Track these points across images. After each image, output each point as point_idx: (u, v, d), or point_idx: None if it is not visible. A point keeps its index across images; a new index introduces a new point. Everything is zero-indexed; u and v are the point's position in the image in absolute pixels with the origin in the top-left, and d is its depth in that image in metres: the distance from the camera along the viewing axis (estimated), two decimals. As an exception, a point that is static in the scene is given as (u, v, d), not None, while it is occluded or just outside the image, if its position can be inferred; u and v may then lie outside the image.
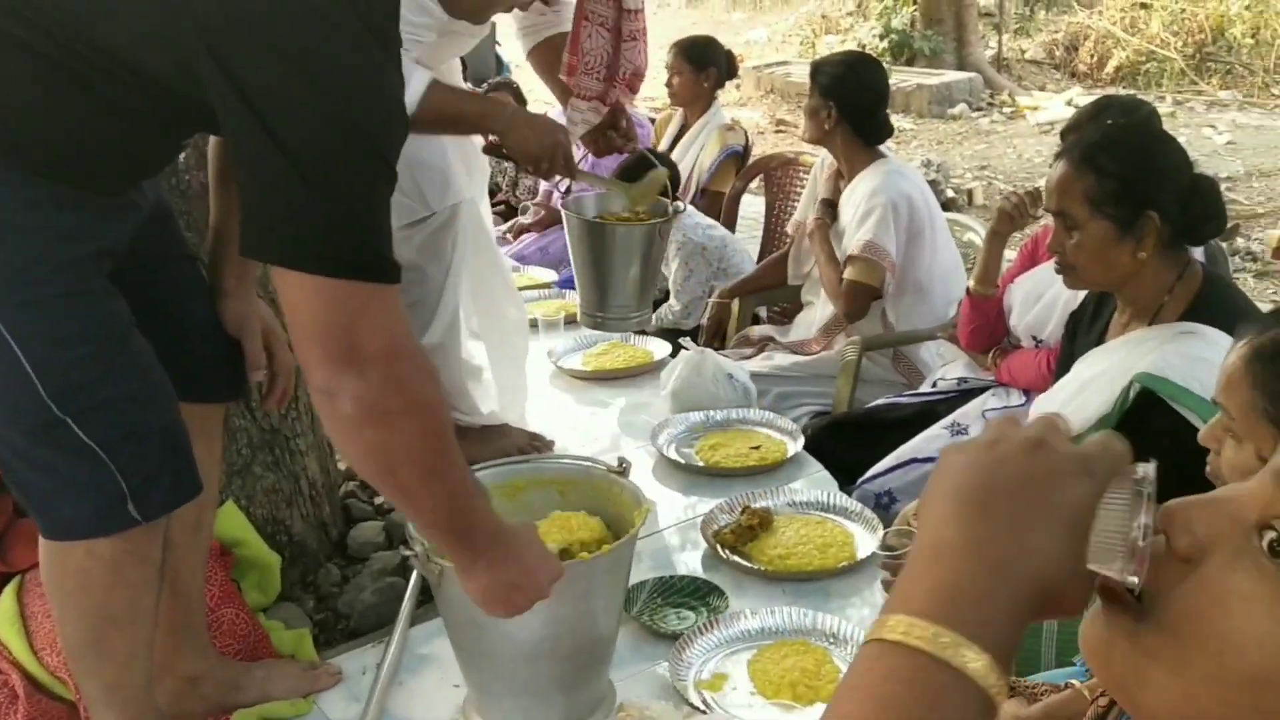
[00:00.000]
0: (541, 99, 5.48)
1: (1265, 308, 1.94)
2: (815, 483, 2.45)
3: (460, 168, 2.50)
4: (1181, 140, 2.09)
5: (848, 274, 3.14)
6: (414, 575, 2.03)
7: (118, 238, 1.51)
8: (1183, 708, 0.61)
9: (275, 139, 1.24)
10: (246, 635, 1.91)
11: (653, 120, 4.94)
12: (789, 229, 3.62)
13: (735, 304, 3.60)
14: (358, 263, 1.28)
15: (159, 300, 1.63)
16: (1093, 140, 1.99)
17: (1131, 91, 10.15)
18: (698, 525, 2.27)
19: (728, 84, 4.84)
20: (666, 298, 3.84)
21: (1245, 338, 1.40)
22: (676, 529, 2.33)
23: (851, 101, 3.16)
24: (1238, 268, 5.91)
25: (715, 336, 3.59)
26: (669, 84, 4.48)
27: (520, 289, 3.74)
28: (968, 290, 2.74)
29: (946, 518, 0.63)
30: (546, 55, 2.63)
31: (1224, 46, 11.73)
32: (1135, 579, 0.59)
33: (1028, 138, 9.69)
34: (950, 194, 7.56)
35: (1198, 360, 1.78)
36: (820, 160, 3.45)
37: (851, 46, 12.38)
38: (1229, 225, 2.25)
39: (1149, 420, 1.79)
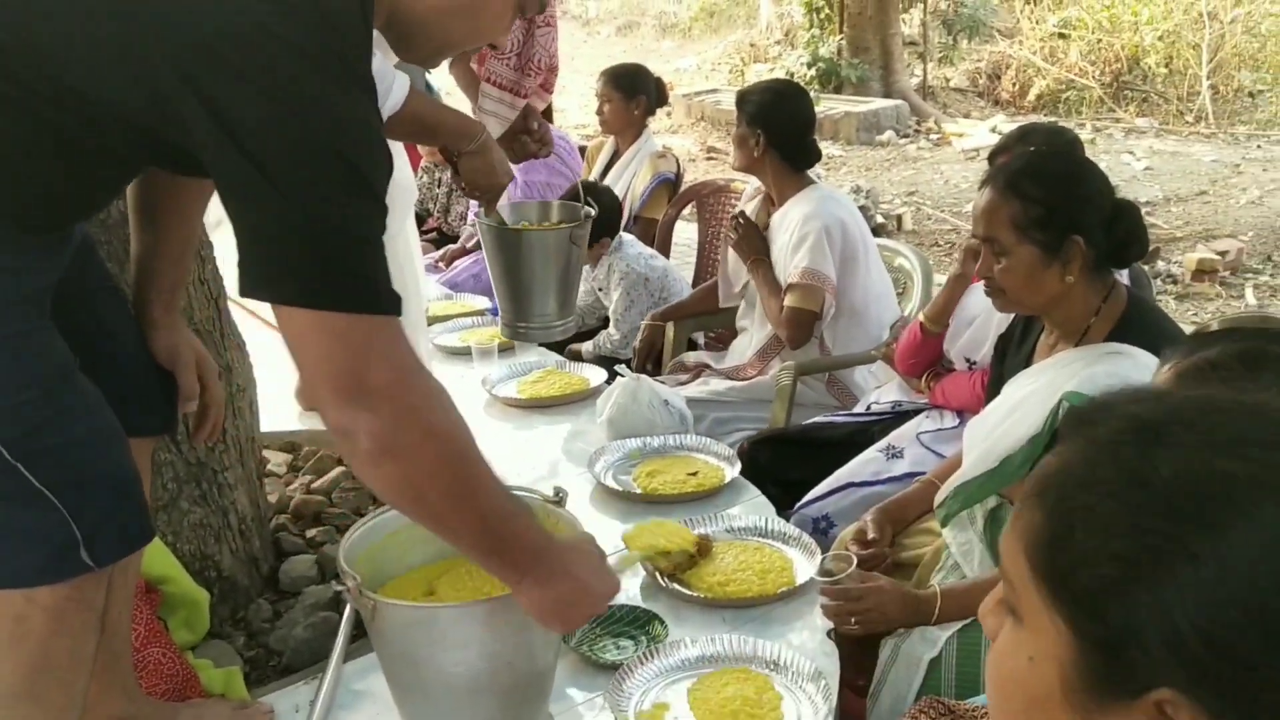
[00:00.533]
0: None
1: (1187, 328, 1.99)
2: (753, 508, 2.45)
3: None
4: (1101, 166, 2.14)
5: (788, 300, 3.16)
6: (348, 610, 1.99)
7: (43, 280, 1.46)
8: None
9: (267, 177, 1.23)
10: (174, 675, 1.85)
11: (584, 148, 4.95)
12: (722, 258, 3.64)
13: (670, 330, 3.60)
14: (359, 297, 1.27)
15: (87, 334, 1.58)
16: (1017, 167, 2.03)
17: (1053, 119, 10.41)
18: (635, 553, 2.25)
19: (659, 111, 4.88)
20: (606, 325, 3.83)
21: (1170, 361, 1.43)
22: (614, 557, 2.30)
23: (778, 128, 3.19)
24: (1159, 290, 6.06)
25: (648, 359, 3.59)
26: (599, 111, 4.49)
27: (453, 316, 3.73)
28: (921, 325, 2.77)
29: None
30: (468, 68, 2.60)
31: (1139, 75, 12.08)
32: None
33: (954, 164, 9.88)
34: (880, 219, 7.67)
35: (1124, 379, 1.82)
36: (748, 192, 3.48)
37: (780, 75, 12.54)
38: (1150, 249, 2.30)
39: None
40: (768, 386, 3.18)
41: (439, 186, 5.25)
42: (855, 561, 1.96)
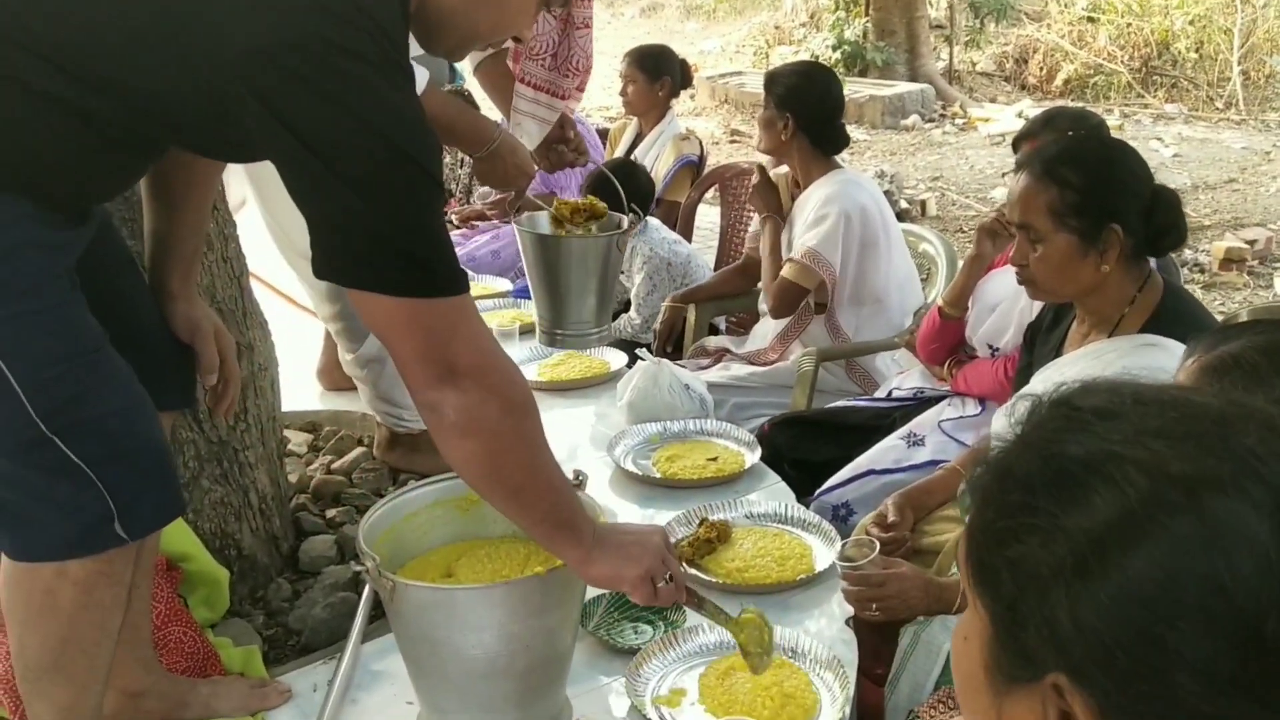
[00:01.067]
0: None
1: (1217, 319, 1.96)
2: (772, 494, 2.44)
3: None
4: (1130, 152, 2.09)
5: (784, 272, 3.16)
6: (366, 590, 2.00)
7: (80, 249, 1.49)
8: None
9: (334, 173, 1.30)
10: (195, 653, 1.86)
11: (607, 130, 4.93)
12: (747, 241, 3.62)
13: (692, 314, 3.58)
14: (436, 281, 1.35)
15: (109, 308, 1.59)
16: (1054, 152, 1.98)
17: (1080, 104, 10.31)
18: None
19: (682, 94, 4.85)
20: (627, 308, 3.82)
21: (1194, 355, 1.41)
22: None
23: (808, 112, 3.17)
24: (1185, 279, 6.00)
25: (669, 341, 3.58)
26: (623, 93, 4.46)
27: (475, 298, 3.72)
28: (939, 310, 2.75)
29: None
30: (494, 71, 2.59)
31: (1169, 61, 11.94)
32: None
33: (979, 149, 9.80)
34: (904, 205, 7.62)
35: (1159, 372, 1.79)
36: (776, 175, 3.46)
37: (804, 57, 12.47)
38: (1184, 237, 2.26)
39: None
40: (789, 372, 3.17)
41: (461, 167, 5.24)
42: (877, 547, 1.95)
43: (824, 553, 2.16)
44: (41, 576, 1.47)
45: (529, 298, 3.77)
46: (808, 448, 2.58)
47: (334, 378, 3.03)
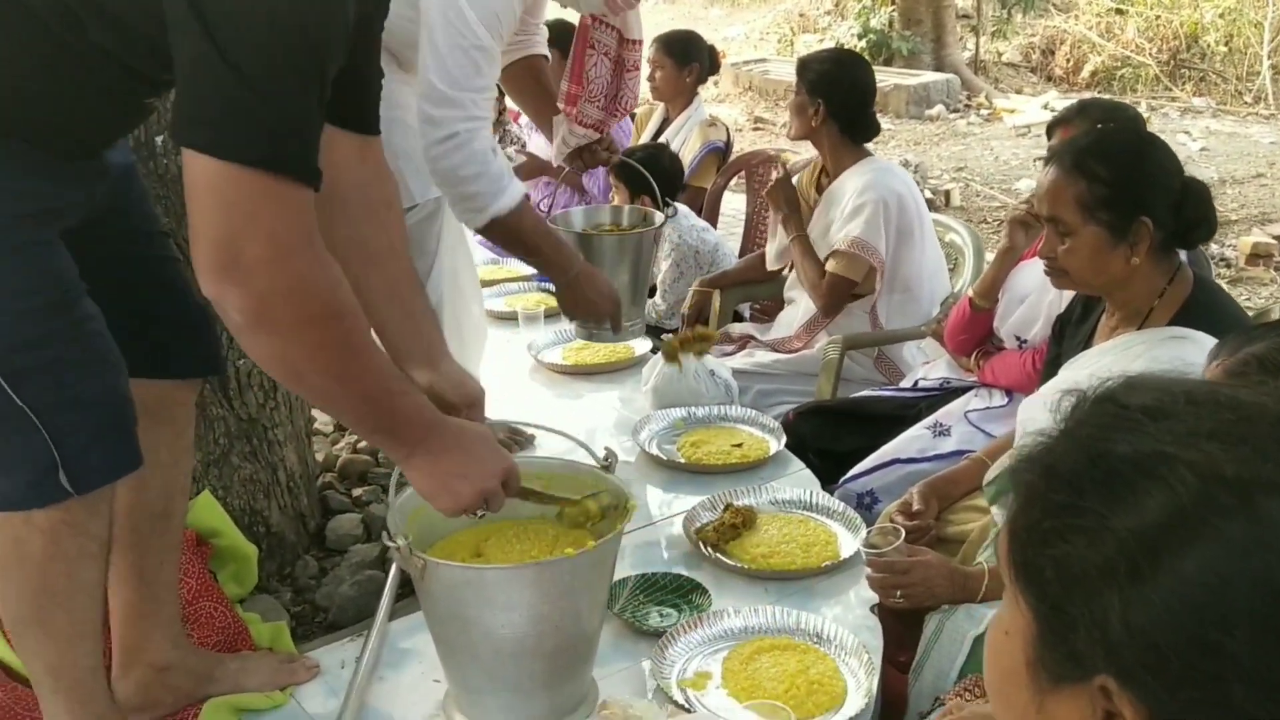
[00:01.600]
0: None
1: (1245, 314, 1.97)
2: (797, 482, 2.44)
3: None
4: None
5: (830, 266, 3.14)
6: (394, 568, 2.01)
7: (72, 205, 1.47)
8: None
9: (197, 15, 1.21)
10: (225, 627, 1.88)
11: (633, 116, 4.92)
12: (770, 232, 3.61)
13: (717, 300, 3.58)
14: (254, 147, 1.23)
15: (125, 275, 1.59)
16: (1084, 145, 1.98)
17: (1107, 96, 10.23)
18: (678, 522, 2.26)
19: (706, 80, 4.84)
20: (652, 294, 3.82)
21: (1219, 356, 1.41)
22: (657, 526, 2.31)
23: (839, 99, 3.16)
24: (1212, 274, 5.96)
25: (695, 325, 3.58)
26: (651, 78, 4.46)
27: (499, 281, 3.74)
28: (969, 301, 2.75)
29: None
30: (521, 75, 2.65)
31: (1198, 54, 11.83)
32: None
33: (1004, 140, 9.75)
34: (928, 195, 7.59)
35: (1188, 365, 1.78)
36: (800, 157, 3.45)
37: (829, 46, 12.41)
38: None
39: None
40: (814, 360, 3.17)
41: (515, 123, 5.25)
42: (902, 535, 1.95)
43: (849, 540, 2.16)
44: (11, 524, 1.46)
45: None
46: (832, 437, 2.58)
47: None
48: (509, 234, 2.29)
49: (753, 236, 4.22)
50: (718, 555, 2.12)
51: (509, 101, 5.07)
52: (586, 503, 1.70)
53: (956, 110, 10.95)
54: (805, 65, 3.23)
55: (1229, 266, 6.26)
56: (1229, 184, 7.90)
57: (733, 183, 4.48)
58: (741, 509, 2.23)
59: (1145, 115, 9.77)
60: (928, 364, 3.06)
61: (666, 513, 2.36)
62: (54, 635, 1.52)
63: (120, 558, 1.71)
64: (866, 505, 2.55)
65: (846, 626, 1.87)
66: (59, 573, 1.48)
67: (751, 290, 3.72)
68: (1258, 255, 6.28)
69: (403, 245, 1.73)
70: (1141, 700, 0.73)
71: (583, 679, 1.74)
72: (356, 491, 2.47)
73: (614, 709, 1.63)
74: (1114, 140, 2.02)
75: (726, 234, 4.34)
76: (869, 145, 3.30)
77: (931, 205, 7.43)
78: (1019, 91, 11.81)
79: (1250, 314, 2.38)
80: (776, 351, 3.30)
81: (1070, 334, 2.16)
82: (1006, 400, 2.62)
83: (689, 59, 4.35)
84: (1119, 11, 12.35)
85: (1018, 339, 2.68)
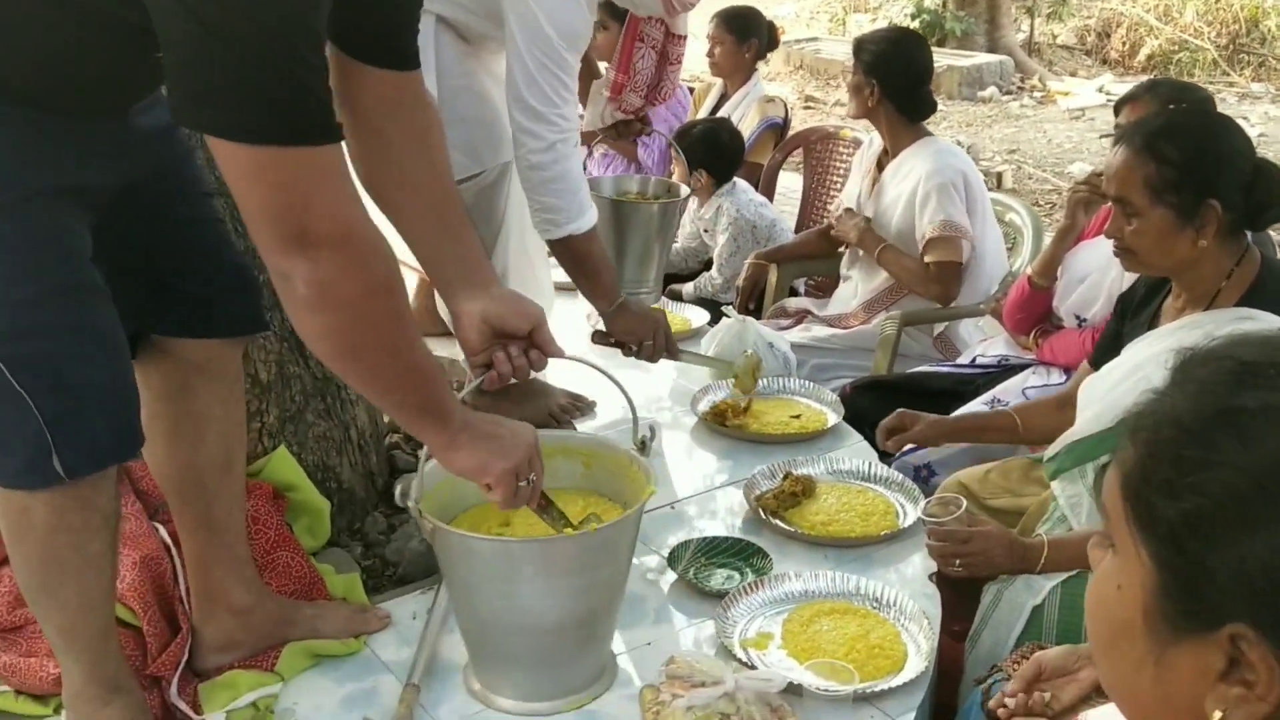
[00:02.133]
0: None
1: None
2: (856, 453, 2.47)
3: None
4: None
5: (931, 256, 3.12)
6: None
7: (98, 175, 1.47)
8: None
9: (185, 5, 1.17)
10: (302, 576, 1.94)
11: (692, 90, 4.94)
12: (831, 210, 3.62)
13: (773, 275, 3.61)
14: (293, 126, 1.21)
15: (167, 236, 1.61)
16: (1154, 127, 1.97)
17: (1161, 78, 10.08)
18: (735, 489, 2.30)
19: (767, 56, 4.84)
20: (708, 267, 3.85)
21: None
22: (717, 492, 2.36)
23: (894, 79, 3.17)
24: (1268, 260, 5.90)
25: (750, 298, 3.61)
26: (710, 54, 4.47)
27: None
28: (1028, 279, 2.76)
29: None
30: (561, 251, 2.72)
31: (1257, 38, 11.64)
32: None
33: (1058, 123, 9.65)
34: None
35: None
36: (866, 142, 3.46)
37: (882, 25, 12.31)
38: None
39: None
40: (870, 335, 3.19)
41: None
42: (964, 505, 1.98)
43: (907, 510, 2.19)
44: (17, 499, 1.48)
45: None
46: (889, 411, 2.60)
47: (423, 323, 3.10)
48: (577, 253, 2.40)
49: (809, 213, 4.24)
50: (777, 521, 2.16)
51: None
52: (588, 525, 1.67)
53: (1010, 92, 10.84)
54: (861, 45, 3.24)
55: (1287, 253, 6.19)
56: (1287, 171, 7.79)
57: (789, 159, 4.49)
58: (801, 477, 2.26)
59: (1204, 99, 9.65)
60: (985, 341, 3.08)
61: (726, 480, 2.40)
62: (63, 602, 1.55)
63: (187, 509, 1.78)
64: (924, 478, 2.57)
65: (906, 593, 1.91)
66: (65, 544, 1.51)
67: (807, 265, 3.74)
68: (1317, 242, 6.20)
69: (445, 171, 1.69)
70: (1276, 646, 0.74)
71: (595, 656, 1.74)
72: (423, 451, 2.51)
73: (680, 664, 1.67)
74: (1185, 122, 2.01)
75: (782, 209, 4.35)
76: (926, 124, 3.31)
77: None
78: (1073, 74, 11.68)
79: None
80: (833, 327, 3.32)
81: (1134, 313, 2.16)
82: (1064, 378, 2.64)
83: (748, 35, 4.36)
84: (1178, -6, 12.17)
85: (1077, 318, 2.69)
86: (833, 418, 2.59)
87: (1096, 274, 2.62)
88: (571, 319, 3.25)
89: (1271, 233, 2.34)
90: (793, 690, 1.63)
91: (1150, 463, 0.81)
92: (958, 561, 1.93)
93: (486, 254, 1.78)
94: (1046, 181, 7.89)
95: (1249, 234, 2.07)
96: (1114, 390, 1.95)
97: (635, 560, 2.07)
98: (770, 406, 2.66)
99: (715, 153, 3.78)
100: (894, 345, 3.07)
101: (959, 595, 2.05)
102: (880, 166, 3.32)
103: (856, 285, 3.35)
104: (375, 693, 1.76)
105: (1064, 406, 2.26)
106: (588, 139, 4.26)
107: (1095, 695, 1.46)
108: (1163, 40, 11.80)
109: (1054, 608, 1.88)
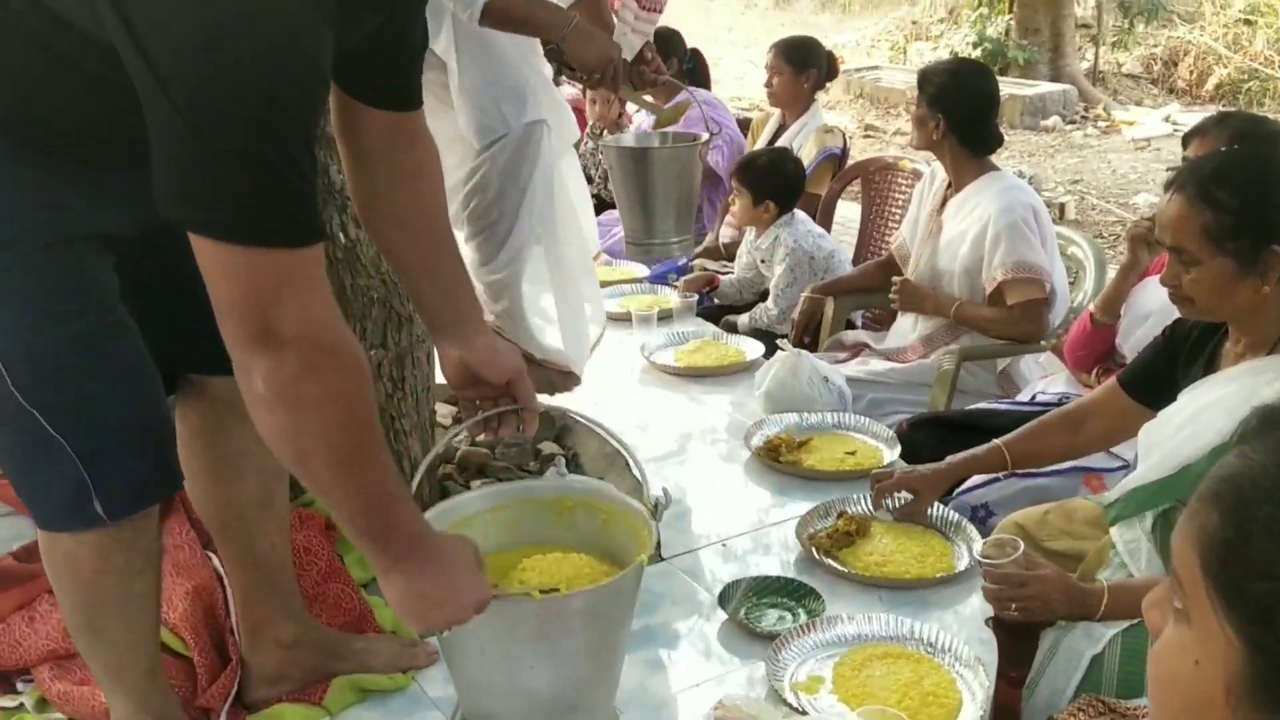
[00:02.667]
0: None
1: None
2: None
3: (540, 92, 2.59)
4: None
5: (1015, 298, 3.04)
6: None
7: (114, 224, 1.47)
8: None
9: (168, 96, 1.16)
10: (352, 610, 1.95)
11: (749, 120, 4.93)
12: (891, 246, 3.59)
13: (830, 307, 3.58)
14: (263, 227, 1.20)
15: (185, 277, 1.55)
16: (1208, 172, 1.91)
17: (1232, 110, 9.93)
18: (790, 527, 2.27)
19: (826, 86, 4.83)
20: (764, 298, 3.83)
21: None
22: (769, 530, 2.33)
23: (960, 112, 3.13)
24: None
25: (806, 331, 3.58)
26: (768, 84, 4.46)
27: (613, 283, 3.79)
28: (1090, 316, 2.71)
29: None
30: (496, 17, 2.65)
31: (1330, 67, 11.43)
32: None
33: (1122, 153, 9.52)
34: (1042, 207, 7.46)
35: (1322, 391, 1.74)
36: (929, 174, 3.42)
37: (943, 54, 12.26)
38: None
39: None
40: (929, 370, 3.14)
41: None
42: (1021, 547, 1.93)
43: (964, 552, 2.15)
44: (62, 542, 1.51)
45: (665, 283, 3.84)
46: (946, 448, 2.55)
47: None
48: (498, 18, 2.34)
49: (867, 244, 4.20)
50: (830, 561, 2.13)
51: (629, 106, 5.15)
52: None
53: (1073, 121, 10.72)
54: (926, 77, 3.20)
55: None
56: (1361, 203, 7.61)
57: (848, 189, 4.46)
58: (855, 517, 2.23)
59: (1273, 130, 9.48)
60: (1046, 378, 3.02)
61: (779, 518, 2.37)
62: (110, 641, 1.57)
63: (231, 545, 1.79)
64: (981, 519, 2.52)
65: (961, 637, 1.87)
66: (110, 585, 1.53)
67: (865, 298, 3.70)
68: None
69: (438, 212, 1.67)
70: None
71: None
72: (474, 484, 2.52)
73: (729, 708, 1.65)
74: (1239, 165, 1.94)
75: (840, 239, 4.32)
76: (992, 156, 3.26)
77: (1046, 217, 7.33)
78: (1139, 104, 11.52)
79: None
80: (891, 361, 3.28)
81: (1188, 356, 2.09)
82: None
83: (807, 65, 4.35)
84: (1248, 22, 11.97)
85: (1141, 355, 2.63)
86: (888, 455, 2.56)
87: (1160, 312, 2.55)
88: (624, 350, 3.25)
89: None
90: (844, 737, 1.60)
91: (1240, 536, 0.77)
92: (1014, 605, 1.89)
93: (475, 301, 1.74)
94: (1110, 213, 7.77)
95: None
96: (1174, 437, 1.90)
97: (687, 598, 2.06)
98: (825, 442, 2.64)
99: (781, 183, 3.77)
100: (952, 381, 3.03)
101: (1016, 641, 1.99)
102: (945, 200, 3.28)
103: (915, 318, 3.30)
104: (421, 729, 1.76)
105: (1075, 428, 2.22)
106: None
107: None
108: (1231, 69, 11.61)
109: (1114, 657, 1.83)
